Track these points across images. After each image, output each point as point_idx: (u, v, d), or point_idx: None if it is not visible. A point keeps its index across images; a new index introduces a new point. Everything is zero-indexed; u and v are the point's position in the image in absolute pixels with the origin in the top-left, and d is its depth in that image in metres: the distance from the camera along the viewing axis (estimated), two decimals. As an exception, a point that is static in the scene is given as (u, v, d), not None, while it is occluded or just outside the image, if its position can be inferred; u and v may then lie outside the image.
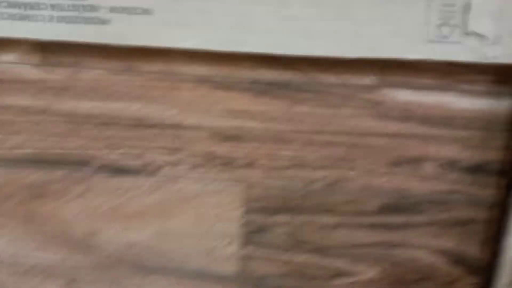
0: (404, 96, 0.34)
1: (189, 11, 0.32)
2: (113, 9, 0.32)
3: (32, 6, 0.33)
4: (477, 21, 0.29)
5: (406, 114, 0.34)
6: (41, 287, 0.40)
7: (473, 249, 0.37)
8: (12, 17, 0.33)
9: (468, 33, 0.29)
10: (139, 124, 0.36)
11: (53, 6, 0.33)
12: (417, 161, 0.35)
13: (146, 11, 0.32)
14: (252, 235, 0.38)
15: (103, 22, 0.33)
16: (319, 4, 0.31)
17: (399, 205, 0.36)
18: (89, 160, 0.37)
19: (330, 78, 0.34)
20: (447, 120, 0.34)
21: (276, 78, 0.34)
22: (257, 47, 0.32)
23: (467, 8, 0.29)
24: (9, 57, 0.35)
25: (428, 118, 0.34)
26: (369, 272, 0.38)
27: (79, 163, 0.37)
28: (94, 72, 0.35)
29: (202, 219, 0.38)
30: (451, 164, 0.35)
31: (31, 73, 0.35)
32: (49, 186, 0.38)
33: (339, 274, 0.38)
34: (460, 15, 0.29)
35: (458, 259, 0.37)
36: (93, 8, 0.33)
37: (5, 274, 0.40)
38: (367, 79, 0.34)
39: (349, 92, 0.34)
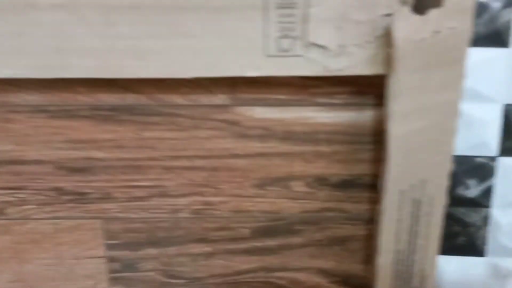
0: (261, 113, 0.31)
1: (3, 34, 0.28)
2: None
3: None
4: (318, 31, 0.26)
5: (266, 133, 0.31)
6: None
7: (355, 268, 0.35)
8: None
9: (309, 45, 0.27)
10: (-29, 163, 0.32)
11: None
12: (284, 180, 0.32)
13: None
14: (119, 273, 0.35)
15: None
16: (147, 21, 0.27)
17: (272, 228, 0.34)
18: None
19: (177, 100, 0.31)
20: (308, 136, 0.31)
21: (118, 103, 0.31)
22: (82, 72, 0.28)
23: (306, 18, 0.26)
24: None
25: (289, 135, 0.31)
26: (252, 299, 0.36)
27: None
28: None
29: (61, 261, 0.34)
30: (319, 181, 0.32)
31: None
32: None
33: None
34: (300, 26, 0.26)
35: (342, 279, 0.35)
36: None
37: None
38: (218, 99, 0.31)
39: (201, 113, 0.31)
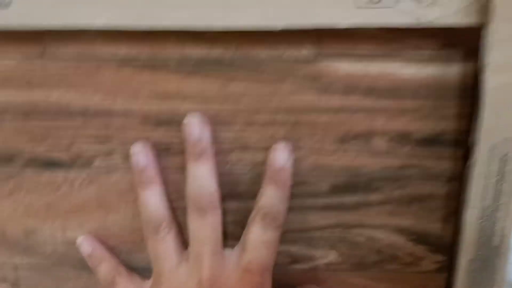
0: (346, 67, 0.31)
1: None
2: (13, -9, 0.30)
3: None
4: (413, -21, 0.27)
5: (350, 87, 0.32)
6: (-17, 292, 0.39)
7: (434, 226, 0.35)
8: None
9: (402, -6, 0.27)
10: (63, 112, 0.34)
11: None
12: (365, 136, 0.33)
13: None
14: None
15: (3, 5, 0.30)
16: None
17: (351, 184, 0.34)
18: (14, 155, 0.35)
19: (263, 53, 0.31)
20: (393, 90, 0.32)
21: (206, 56, 0.32)
22: (175, 22, 0.30)
23: (401, -35, 0.27)
24: None
25: (373, 89, 0.32)
26: (327, 256, 0.37)
27: (4, 159, 0.35)
28: (5, 61, 0.33)
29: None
30: (402, 137, 0.33)
31: None
32: (-25, 186, 0.36)
33: (296, 260, 0.37)
34: (394, -26, 0.27)
35: (419, 238, 0.35)
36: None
37: None
38: (303, 52, 0.31)
39: (286, 67, 0.32)
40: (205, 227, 0.34)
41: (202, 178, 0.33)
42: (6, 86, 0.33)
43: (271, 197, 0.33)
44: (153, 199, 0.34)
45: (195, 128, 0.32)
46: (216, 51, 0.32)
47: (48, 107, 0.34)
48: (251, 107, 0.33)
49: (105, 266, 0.36)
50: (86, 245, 0.36)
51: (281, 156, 0.33)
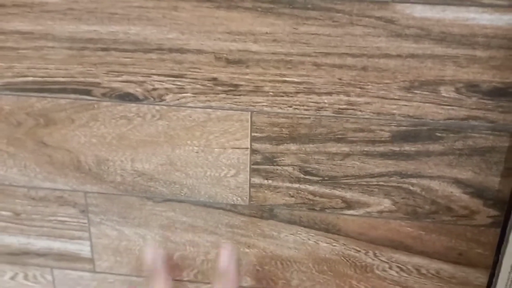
0: (420, 12, 0.30)
1: None
2: None
3: None
4: None
5: (421, 33, 0.31)
6: (56, 213, 0.41)
7: (492, 181, 0.34)
8: None
9: None
10: (139, 48, 0.34)
11: None
12: (433, 84, 0.32)
13: None
14: (260, 165, 0.36)
15: None
16: None
17: (413, 133, 0.34)
18: (91, 88, 0.36)
19: (338, -6, 0.31)
20: (465, 38, 0.31)
21: (281, -5, 0.32)
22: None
23: None
24: (6, -20, 0.34)
25: (446, 36, 0.31)
26: (381, 204, 0.36)
27: (82, 91, 0.36)
28: (90, -6, 0.33)
29: (208, 148, 0.37)
30: (469, 88, 0.32)
31: (29, -3, 0.34)
32: (54, 114, 0.37)
33: (350, 205, 0.37)
34: None
35: (476, 191, 0.35)
36: None
37: (21, 200, 0.41)
38: (379, -6, 0.31)
39: (359, 9, 0.31)
40: None
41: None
42: (91, 20, 0.34)
43: None
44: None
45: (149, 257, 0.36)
46: (291, -8, 0.31)
47: (127, 41, 0.34)
48: (321, 50, 0.32)
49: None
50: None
51: (223, 259, 0.35)
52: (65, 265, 0.42)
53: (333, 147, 0.35)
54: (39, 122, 0.38)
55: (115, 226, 0.40)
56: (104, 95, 0.36)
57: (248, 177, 0.37)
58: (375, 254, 0.37)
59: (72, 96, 0.37)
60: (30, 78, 0.36)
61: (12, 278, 0.44)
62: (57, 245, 0.42)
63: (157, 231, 0.40)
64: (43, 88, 0.37)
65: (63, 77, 0.36)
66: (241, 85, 0.34)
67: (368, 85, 0.33)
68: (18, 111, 0.38)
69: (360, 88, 0.33)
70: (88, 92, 0.36)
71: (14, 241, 0.42)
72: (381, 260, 0.37)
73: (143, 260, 0.38)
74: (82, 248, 0.42)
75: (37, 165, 0.39)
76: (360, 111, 0.34)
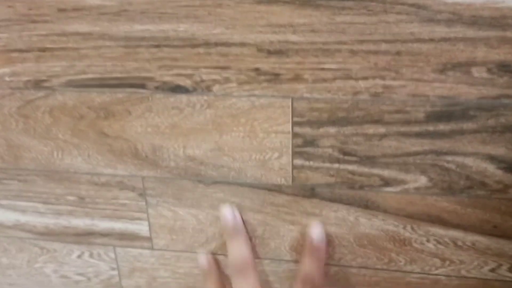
0: (451, -3, 0.31)
1: None
2: None
3: None
4: None
5: (453, 17, 0.32)
6: (117, 197, 0.44)
7: (525, 155, 0.35)
8: None
9: None
10: (188, 44, 0.36)
11: None
12: (465, 66, 0.33)
13: None
14: (301, 147, 0.38)
15: None
16: None
17: (447, 113, 0.34)
18: (145, 82, 0.39)
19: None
20: (496, 20, 0.31)
21: (317, -12, 0.33)
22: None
23: None
24: (67, -13, 0.37)
25: (476, 20, 0.31)
26: (418, 181, 0.37)
27: (137, 85, 0.39)
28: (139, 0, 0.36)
29: (253, 134, 0.38)
30: (501, 68, 0.32)
31: (88, 1, 0.37)
32: (113, 107, 0.40)
33: (388, 183, 0.38)
34: None
35: (509, 166, 0.35)
36: None
37: (85, 186, 0.44)
38: (411, -18, 0.31)
39: (392, -3, 0.32)
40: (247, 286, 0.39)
41: (236, 250, 0.40)
42: (143, 20, 0.36)
43: (310, 268, 0.39)
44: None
45: (228, 215, 0.41)
46: (327, -15, 0.33)
47: (176, 38, 0.36)
48: (356, 38, 0.34)
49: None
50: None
51: (317, 234, 0.39)
52: (126, 243, 0.46)
53: (370, 129, 0.36)
54: (100, 115, 0.40)
55: (170, 207, 0.43)
56: (157, 88, 0.38)
57: (291, 159, 0.38)
58: (412, 228, 0.38)
59: (128, 90, 0.39)
60: (90, 75, 0.39)
61: (79, 256, 0.48)
62: (118, 225, 0.45)
63: (208, 211, 0.42)
64: (102, 84, 0.39)
65: (120, 73, 0.38)
66: (282, 74, 0.36)
67: (402, 69, 0.34)
68: (80, 105, 0.40)
69: (395, 72, 0.34)
70: (142, 86, 0.39)
71: (80, 223, 0.46)
72: (419, 234, 0.39)
73: (222, 221, 0.41)
74: (141, 228, 0.45)
75: (99, 154, 0.42)
76: (396, 93, 0.35)
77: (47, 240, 0.48)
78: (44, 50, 0.39)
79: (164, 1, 0.35)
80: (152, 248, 0.45)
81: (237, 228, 0.41)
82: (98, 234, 0.46)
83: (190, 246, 0.44)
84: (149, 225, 0.44)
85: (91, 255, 0.47)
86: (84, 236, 0.46)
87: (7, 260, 0.50)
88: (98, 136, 0.41)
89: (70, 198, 0.45)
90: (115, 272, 0.47)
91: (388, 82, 0.35)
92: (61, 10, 0.37)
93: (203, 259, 0.43)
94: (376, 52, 0.34)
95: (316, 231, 0.39)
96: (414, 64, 0.34)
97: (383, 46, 0.34)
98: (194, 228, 0.43)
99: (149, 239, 0.45)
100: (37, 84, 0.40)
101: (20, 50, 0.40)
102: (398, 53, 0.33)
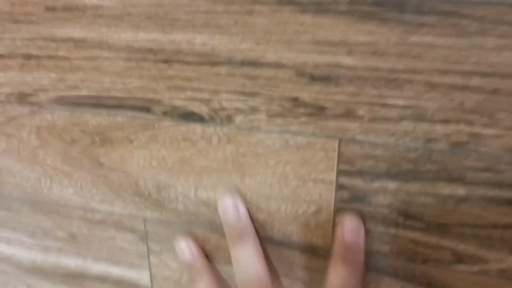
0: None
1: None
2: None
3: None
4: None
5: None
6: (114, 238, 0.36)
7: None
8: None
9: None
10: (206, 61, 0.28)
11: None
12: None
13: None
14: (347, 203, 0.29)
15: None
16: None
17: (559, 178, 0.24)
18: (151, 106, 0.30)
19: (467, -7, 0.22)
20: None
21: (386, -4, 0.23)
22: None
23: None
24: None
25: None
26: (504, 261, 0.27)
27: (140, 108, 0.30)
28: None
29: (284, 180, 0.29)
30: None
31: (82, 0, 0.28)
32: (111, 133, 0.32)
33: (461, 259, 0.28)
34: None
35: None
36: None
37: (77, 222, 0.36)
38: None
39: (496, 14, 0.22)
40: None
41: (245, 260, 0.29)
42: (150, 26, 0.27)
43: (340, 277, 0.27)
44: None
45: (230, 211, 0.30)
46: (401, -10, 0.23)
47: (191, 52, 0.27)
48: (437, 66, 0.24)
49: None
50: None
51: (351, 231, 0.27)
52: (123, 292, 0.37)
53: (446, 189, 0.26)
54: (95, 141, 0.32)
55: (177, 258, 0.34)
56: (165, 113, 0.30)
57: (332, 216, 0.29)
58: (491, 322, 0.29)
59: (130, 113, 0.31)
60: (84, 92, 0.31)
61: (70, 299, 0.40)
62: (115, 271, 0.37)
63: (223, 267, 0.33)
64: (98, 103, 0.31)
65: (120, 91, 0.30)
66: (328, 107, 0.27)
67: (499, 113, 0.24)
68: (72, 127, 0.32)
69: (488, 116, 0.24)
70: (147, 110, 0.30)
71: (71, 262, 0.38)
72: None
73: (222, 217, 0.31)
74: (141, 278, 0.36)
75: (93, 186, 0.34)
76: (486, 146, 0.25)
77: (34, 278, 0.40)
78: (29, 57, 0.31)
79: (178, 4, 0.27)
80: (153, 302, 0.37)
81: (244, 228, 0.30)
82: (92, 277, 0.38)
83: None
84: (151, 275, 0.36)
85: (83, 300, 0.40)
86: (75, 278, 0.39)
87: (-8, 293, 0.43)
88: (92, 165, 0.33)
89: (60, 234, 0.37)
90: (111, 322, 0.39)
91: (477, 130, 0.25)
92: (49, 8, 0.29)
93: (183, 247, 0.32)
94: (463, 88, 0.24)
95: (349, 226, 0.28)
96: (518, 107, 0.24)
97: (475, 81, 0.24)
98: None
99: (151, 290, 0.36)
100: (22, 98, 0.33)
101: (1, 56, 0.32)
102: (495, 91, 0.24)
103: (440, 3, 0.23)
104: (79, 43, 0.30)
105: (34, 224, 0.37)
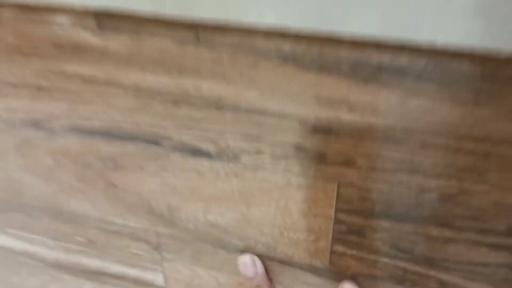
0: None
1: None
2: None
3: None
4: None
5: None
6: (130, 246, 0.39)
7: None
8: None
9: None
10: (212, 105, 0.29)
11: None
12: None
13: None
14: (344, 234, 0.31)
15: (161, -9, 0.24)
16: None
17: (540, 230, 0.26)
18: (160, 140, 0.31)
19: (463, 64, 0.23)
20: None
21: (389, 63, 0.24)
22: (356, 27, 0.22)
23: None
24: (61, 18, 0.29)
25: None
26: (484, 289, 0.30)
27: (150, 141, 0.32)
28: (156, 41, 0.27)
29: (287, 212, 0.31)
30: None
31: (88, 40, 0.29)
32: (123, 159, 0.33)
33: (446, 287, 0.31)
34: None
35: None
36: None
37: (95, 231, 0.39)
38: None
39: (492, 84, 0.23)
40: None
41: None
42: (157, 70, 0.28)
43: None
44: None
45: (249, 267, 0.33)
46: (403, 59, 0.24)
47: (198, 96, 0.29)
48: (433, 129, 0.25)
49: None
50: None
51: None
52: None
53: (434, 231, 0.29)
54: (108, 166, 0.34)
55: (188, 266, 0.37)
56: (174, 147, 0.31)
57: (330, 244, 0.32)
58: None
59: (140, 144, 0.32)
60: (96, 122, 0.32)
61: (91, 290, 0.44)
62: (132, 272, 0.40)
63: (230, 276, 0.37)
64: (109, 134, 0.32)
65: (130, 124, 0.32)
66: (329, 154, 0.28)
67: (488, 173, 0.25)
68: (85, 152, 0.34)
69: (478, 174, 0.26)
70: (157, 143, 0.32)
71: (91, 263, 0.41)
72: None
73: (241, 270, 0.34)
74: (156, 278, 0.40)
75: (108, 203, 0.36)
76: (475, 199, 0.27)
77: (57, 271, 0.44)
78: (40, 88, 0.32)
79: (184, 51, 0.27)
80: (167, 298, 0.40)
81: (261, 281, 0.34)
82: (111, 276, 0.41)
83: (208, 305, 0.39)
84: (165, 277, 0.39)
85: (103, 292, 0.43)
86: (95, 274, 0.42)
87: (19, 280, 0.47)
88: (106, 186, 0.35)
89: (79, 239, 0.40)
90: (128, 311, 0.43)
91: (467, 186, 0.26)
92: (56, 45, 0.30)
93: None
94: (457, 150, 0.25)
95: None
96: (504, 170, 0.25)
97: (468, 144, 0.25)
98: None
99: (164, 289, 0.40)
100: (36, 123, 0.34)
101: (13, 85, 0.33)
102: (487, 155, 0.25)
103: (440, 73, 0.23)
104: (88, 78, 0.30)
105: (55, 229, 0.40)
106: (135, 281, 0.41)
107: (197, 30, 0.26)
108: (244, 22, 0.24)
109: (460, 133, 0.25)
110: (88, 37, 0.29)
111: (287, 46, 0.25)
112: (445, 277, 0.30)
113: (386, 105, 0.25)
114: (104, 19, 0.28)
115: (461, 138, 0.25)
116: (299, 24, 0.23)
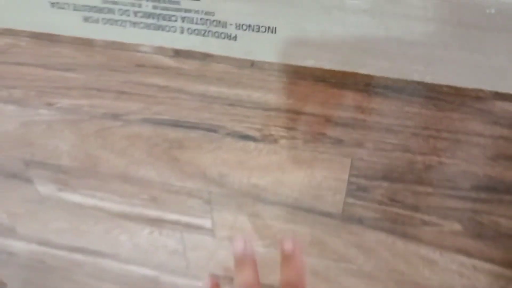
0: (516, 111, 0.33)
1: (311, 31, 0.32)
2: (238, 26, 0.33)
3: (164, 17, 0.34)
4: None
5: (514, 125, 0.34)
6: (186, 201, 0.50)
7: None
8: (147, 26, 0.35)
9: None
10: (260, 107, 0.39)
11: (183, 19, 0.34)
12: (516, 160, 0.36)
13: (270, 29, 0.32)
14: (355, 191, 0.43)
15: (231, 37, 0.33)
16: (442, 31, 0.29)
17: (492, 187, 0.39)
18: (217, 129, 0.42)
19: (443, 87, 0.33)
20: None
21: (392, 84, 0.34)
22: (375, 70, 0.32)
23: None
24: (145, 48, 0.38)
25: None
26: (453, 226, 0.43)
27: (209, 130, 0.42)
28: (221, 66, 0.37)
29: (312, 177, 0.43)
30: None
31: (166, 62, 0.38)
32: (186, 141, 0.44)
33: (427, 224, 0.43)
34: None
35: (535, 227, 0.40)
36: (220, 23, 0.33)
37: (158, 191, 0.50)
38: (482, 93, 0.33)
39: (462, 101, 0.34)
40: None
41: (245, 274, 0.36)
42: (220, 84, 0.38)
43: (287, 274, 0.35)
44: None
45: (239, 243, 0.37)
46: (401, 81, 0.34)
47: (249, 102, 0.39)
48: (421, 124, 0.36)
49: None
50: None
51: (288, 243, 0.36)
52: (192, 230, 0.53)
53: (419, 188, 0.41)
54: (173, 145, 0.45)
55: (232, 213, 0.49)
56: (227, 134, 0.42)
57: (343, 198, 0.44)
58: (441, 254, 0.45)
59: (201, 132, 0.43)
60: (166, 117, 0.42)
61: (150, 233, 0.56)
62: (185, 219, 0.52)
63: (266, 221, 0.49)
64: (176, 124, 0.43)
65: (194, 118, 0.42)
66: (346, 140, 0.39)
67: (458, 152, 0.37)
68: (155, 137, 0.44)
69: (451, 153, 0.37)
70: (214, 131, 0.42)
71: (152, 213, 0.53)
72: (447, 259, 0.45)
73: (232, 249, 0.38)
74: (205, 223, 0.52)
75: (171, 172, 0.47)
76: (448, 168, 0.38)
77: (122, 220, 0.55)
78: (122, 93, 0.41)
79: (241, 73, 0.37)
80: (213, 237, 0.53)
81: (246, 256, 0.37)
82: (167, 221, 0.53)
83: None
84: (212, 222, 0.51)
85: (160, 234, 0.56)
86: (155, 221, 0.54)
87: (86, 227, 0.58)
88: (171, 160, 0.46)
89: (144, 196, 0.51)
90: (181, 246, 0.56)
91: (443, 160, 0.38)
92: (139, 65, 0.39)
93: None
94: (436, 137, 0.37)
95: (286, 242, 0.37)
96: (469, 150, 0.37)
97: (444, 134, 0.36)
98: (253, 229, 0.50)
99: (212, 231, 0.52)
100: (115, 117, 0.44)
101: (99, 89, 0.42)
102: (457, 141, 0.36)
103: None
104: (163, 88, 0.40)
105: (122, 190, 0.51)
106: (188, 225, 0.53)
107: (253, 60, 0.36)
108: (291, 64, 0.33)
109: (439, 128, 0.36)
110: (166, 60, 0.38)
111: (318, 72, 0.35)
112: (425, 217, 0.43)
113: (387, 110, 0.36)
114: (182, 51, 0.37)
115: (440, 130, 0.36)
116: (329, 66, 0.33)
